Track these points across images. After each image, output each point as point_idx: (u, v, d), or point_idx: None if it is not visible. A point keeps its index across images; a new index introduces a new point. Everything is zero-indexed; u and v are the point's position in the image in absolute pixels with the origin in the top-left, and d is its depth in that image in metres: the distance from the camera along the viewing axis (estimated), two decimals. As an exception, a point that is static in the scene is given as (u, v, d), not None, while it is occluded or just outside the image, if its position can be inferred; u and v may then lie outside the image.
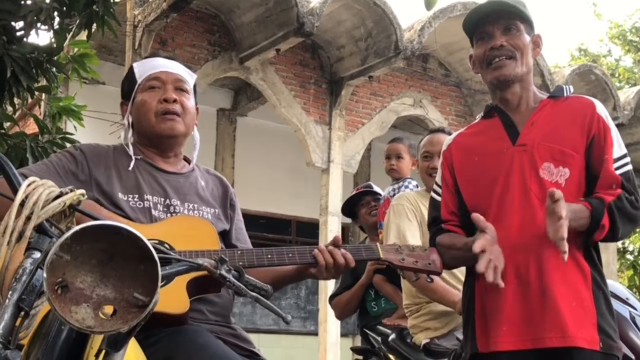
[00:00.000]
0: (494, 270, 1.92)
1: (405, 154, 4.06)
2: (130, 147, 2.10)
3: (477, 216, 2.01)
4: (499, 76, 2.18)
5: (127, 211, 1.96)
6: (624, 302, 2.86)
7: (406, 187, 3.92)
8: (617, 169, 2.08)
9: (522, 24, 2.20)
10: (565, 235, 1.85)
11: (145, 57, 2.29)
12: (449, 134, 2.73)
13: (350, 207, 4.29)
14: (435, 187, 2.34)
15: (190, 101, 2.15)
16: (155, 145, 2.14)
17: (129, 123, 2.14)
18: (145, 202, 2.00)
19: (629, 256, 17.52)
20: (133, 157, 2.07)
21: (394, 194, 3.70)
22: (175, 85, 2.14)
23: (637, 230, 16.10)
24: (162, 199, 2.04)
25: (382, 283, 3.81)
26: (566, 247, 1.85)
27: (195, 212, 2.08)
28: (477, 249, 1.92)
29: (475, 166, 2.21)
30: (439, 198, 2.29)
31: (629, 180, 2.08)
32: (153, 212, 1.99)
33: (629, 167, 2.12)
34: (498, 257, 1.95)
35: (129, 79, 2.19)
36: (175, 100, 2.10)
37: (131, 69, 2.20)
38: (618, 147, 2.12)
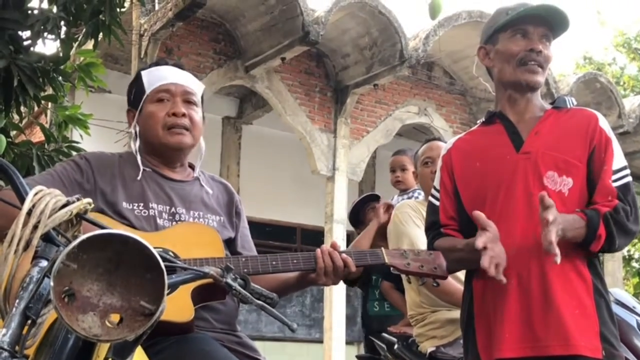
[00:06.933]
0: (496, 267, 1.91)
1: (410, 165, 4.03)
2: (139, 156, 2.09)
3: (478, 214, 1.99)
4: (531, 81, 2.18)
5: (131, 220, 1.95)
6: (631, 310, 2.86)
7: (416, 197, 3.89)
8: (615, 180, 2.09)
9: (553, 38, 2.21)
10: (553, 238, 1.85)
11: (153, 65, 2.23)
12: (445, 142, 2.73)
13: (355, 214, 4.26)
14: (433, 191, 2.32)
15: (198, 114, 2.13)
16: (162, 156, 2.13)
17: (135, 132, 2.13)
18: (150, 211, 2.00)
19: (634, 264, 17.45)
20: (141, 167, 2.06)
21: None
22: (184, 97, 2.11)
23: (643, 238, 16.07)
24: (168, 207, 2.04)
25: (390, 291, 3.79)
26: (556, 250, 1.84)
27: (201, 220, 2.08)
28: (479, 245, 1.92)
29: (477, 171, 2.20)
30: (437, 202, 2.27)
31: (626, 192, 2.09)
32: (158, 220, 1.99)
33: (628, 178, 2.12)
34: (500, 254, 1.94)
35: (137, 87, 2.16)
36: (184, 115, 2.08)
37: (139, 76, 2.17)
38: (619, 158, 2.13)
